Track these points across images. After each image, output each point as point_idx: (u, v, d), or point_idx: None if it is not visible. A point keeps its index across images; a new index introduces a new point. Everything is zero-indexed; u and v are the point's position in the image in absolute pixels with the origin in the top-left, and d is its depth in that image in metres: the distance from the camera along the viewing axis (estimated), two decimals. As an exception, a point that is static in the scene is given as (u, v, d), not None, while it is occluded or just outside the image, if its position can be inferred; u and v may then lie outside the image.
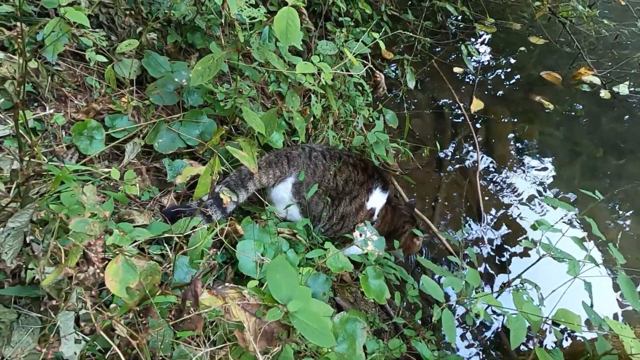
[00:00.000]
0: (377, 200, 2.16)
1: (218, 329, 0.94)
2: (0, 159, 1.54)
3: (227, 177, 1.92)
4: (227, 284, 0.93)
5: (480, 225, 2.85)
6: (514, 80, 4.15)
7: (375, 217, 2.19)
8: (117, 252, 0.85)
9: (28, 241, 1.28)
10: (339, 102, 2.63)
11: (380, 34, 2.17)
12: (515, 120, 3.72)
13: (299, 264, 1.75)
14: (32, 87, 1.73)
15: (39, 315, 1.28)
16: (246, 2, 1.75)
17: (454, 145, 3.43)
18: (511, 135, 3.59)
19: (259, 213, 1.97)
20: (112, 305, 0.92)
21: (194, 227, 1.59)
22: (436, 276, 2.29)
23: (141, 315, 0.91)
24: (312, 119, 2.47)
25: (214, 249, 1.30)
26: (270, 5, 2.70)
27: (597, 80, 4.10)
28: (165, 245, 1.59)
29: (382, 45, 2.12)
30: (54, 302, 1.10)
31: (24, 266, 1.27)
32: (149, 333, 0.88)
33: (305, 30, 2.94)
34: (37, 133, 1.70)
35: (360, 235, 1.55)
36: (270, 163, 1.99)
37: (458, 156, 3.34)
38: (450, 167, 3.25)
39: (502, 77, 4.19)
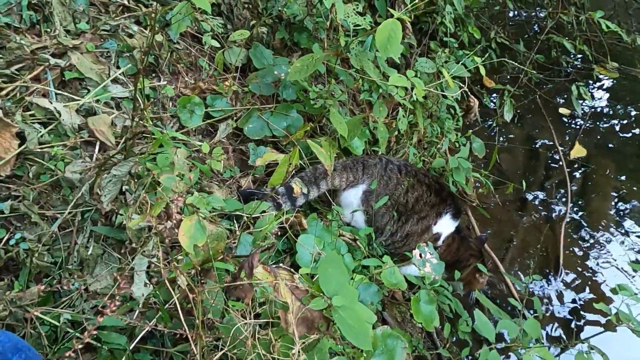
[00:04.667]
0: (445, 226, 2.09)
1: (265, 306, 1.00)
2: (117, 116, 1.76)
3: (302, 172, 1.99)
4: (281, 265, 0.99)
5: (556, 280, 2.62)
6: (630, 134, 3.72)
7: (439, 243, 2.12)
8: (194, 212, 0.94)
9: (123, 190, 1.46)
10: (427, 120, 2.59)
11: (483, 59, 2.11)
12: (624, 177, 3.34)
13: (353, 270, 1.76)
14: (154, 60, 1.96)
15: (119, 256, 1.45)
16: (354, 10, 1.81)
17: (542, 189, 3.18)
18: (614, 193, 3.23)
19: (325, 212, 2.02)
20: (179, 257, 1.03)
21: (263, 211, 1.68)
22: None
23: (201, 274, 0.99)
24: (396, 132, 2.47)
25: (276, 232, 1.37)
26: (379, 17, 2.75)
27: None
28: (235, 221, 1.70)
29: (482, 70, 2.06)
30: (133, 246, 1.24)
31: (116, 211, 1.45)
32: (204, 291, 0.96)
33: (407, 46, 2.94)
34: (150, 99, 1.92)
35: (420, 255, 1.52)
36: (345, 167, 2.03)
37: (545, 201, 3.10)
38: (534, 211, 3.02)
39: (617, 127, 3.78)
